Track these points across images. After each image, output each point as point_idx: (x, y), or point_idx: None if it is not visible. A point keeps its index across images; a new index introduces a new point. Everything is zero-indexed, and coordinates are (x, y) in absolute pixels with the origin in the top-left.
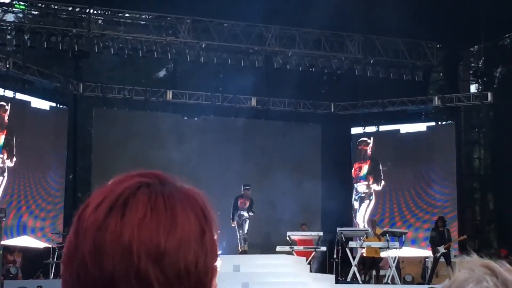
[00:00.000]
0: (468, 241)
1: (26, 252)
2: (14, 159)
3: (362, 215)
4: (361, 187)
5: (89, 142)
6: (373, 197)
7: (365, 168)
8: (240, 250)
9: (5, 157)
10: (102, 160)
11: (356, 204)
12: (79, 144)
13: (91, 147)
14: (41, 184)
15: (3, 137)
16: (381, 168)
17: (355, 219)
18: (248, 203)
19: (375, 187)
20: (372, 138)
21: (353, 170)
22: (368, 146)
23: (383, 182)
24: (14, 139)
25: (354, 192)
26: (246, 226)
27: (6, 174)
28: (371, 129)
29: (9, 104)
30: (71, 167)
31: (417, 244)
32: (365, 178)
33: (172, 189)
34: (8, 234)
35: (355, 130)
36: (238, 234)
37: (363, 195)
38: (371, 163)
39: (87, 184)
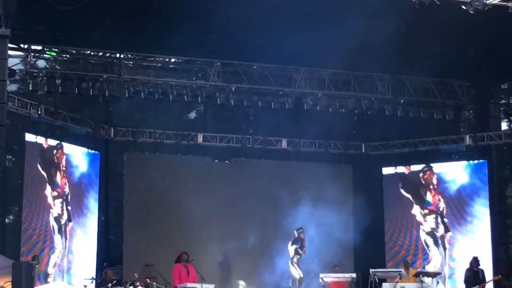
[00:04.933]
0: (503, 279)
1: None
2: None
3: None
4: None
5: (120, 185)
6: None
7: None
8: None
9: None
10: (134, 203)
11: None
12: (111, 187)
13: (123, 190)
14: (73, 228)
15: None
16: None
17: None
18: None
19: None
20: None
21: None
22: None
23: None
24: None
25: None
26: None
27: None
28: (402, 169)
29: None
30: (103, 209)
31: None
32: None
33: None
34: (42, 279)
35: (386, 170)
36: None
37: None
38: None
39: (119, 227)
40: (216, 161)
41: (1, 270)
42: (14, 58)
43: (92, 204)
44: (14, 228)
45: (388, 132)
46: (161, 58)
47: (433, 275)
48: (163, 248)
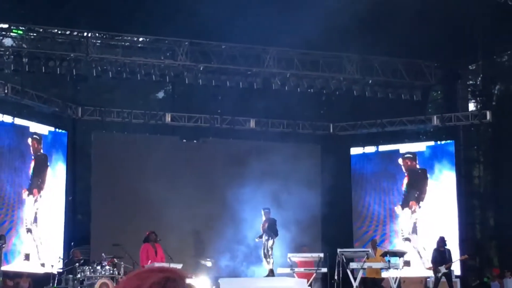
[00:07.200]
0: (469, 259)
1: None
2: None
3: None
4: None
5: (88, 164)
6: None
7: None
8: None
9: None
10: (101, 183)
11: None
12: (78, 167)
13: (90, 169)
14: (39, 207)
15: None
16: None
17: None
18: (266, 225)
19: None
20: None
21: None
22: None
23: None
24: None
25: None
26: (264, 249)
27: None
28: (370, 149)
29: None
30: (71, 189)
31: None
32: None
33: (191, 284)
34: (8, 259)
35: (355, 151)
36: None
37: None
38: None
39: (87, 206)
40: (184, 140)
41: None
42: None
43: (60, 183)
44: None
45: (356, 113)
46: (129, 37)
47: (400, 254)
48: (131, 228)
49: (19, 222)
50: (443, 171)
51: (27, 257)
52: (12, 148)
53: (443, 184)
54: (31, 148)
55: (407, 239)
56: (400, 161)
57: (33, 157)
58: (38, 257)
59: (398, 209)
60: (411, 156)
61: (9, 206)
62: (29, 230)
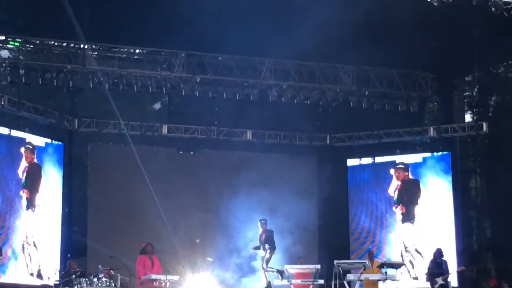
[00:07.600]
0: (466, 270)
1: None
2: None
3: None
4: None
5: (84, 176)
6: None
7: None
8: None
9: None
10: (98, 194)
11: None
12: (74, 178)
13: (87, 181)
14: (34, 218)
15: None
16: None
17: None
18: (263, 237)
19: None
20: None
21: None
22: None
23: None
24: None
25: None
26: (263, 263)
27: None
28: (367, 160)
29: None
30: (67, 201)
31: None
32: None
33: None
34: (5, 271)
35: (351, 162)
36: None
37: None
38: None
39: (83, 218)
40: (181, 152)
41: None
42: None
43: (56, 195)
44: None
45: (353, 124)
46: (125, 49)
47: (397, 265)
48: (128, 240)
49: (15, 233)
50: (440, 182)
51: (23, 269)
52: (6, 159)
53: (439, 195)
54: (23, 157)
55: (418, 252)
56: (392, 171)
57: (26, 167)
58: (34, 268)
59: (395, 220)
60: (403, 166)
61: (5, 218)
62: (24, 242)
